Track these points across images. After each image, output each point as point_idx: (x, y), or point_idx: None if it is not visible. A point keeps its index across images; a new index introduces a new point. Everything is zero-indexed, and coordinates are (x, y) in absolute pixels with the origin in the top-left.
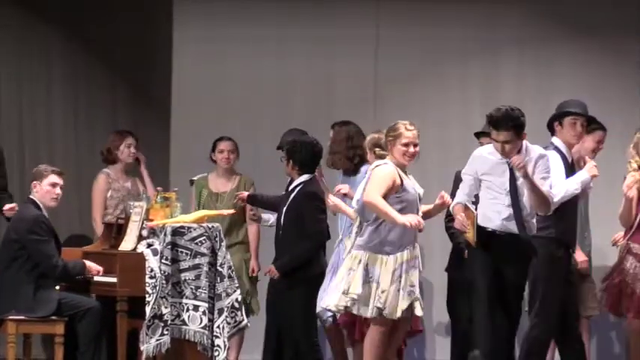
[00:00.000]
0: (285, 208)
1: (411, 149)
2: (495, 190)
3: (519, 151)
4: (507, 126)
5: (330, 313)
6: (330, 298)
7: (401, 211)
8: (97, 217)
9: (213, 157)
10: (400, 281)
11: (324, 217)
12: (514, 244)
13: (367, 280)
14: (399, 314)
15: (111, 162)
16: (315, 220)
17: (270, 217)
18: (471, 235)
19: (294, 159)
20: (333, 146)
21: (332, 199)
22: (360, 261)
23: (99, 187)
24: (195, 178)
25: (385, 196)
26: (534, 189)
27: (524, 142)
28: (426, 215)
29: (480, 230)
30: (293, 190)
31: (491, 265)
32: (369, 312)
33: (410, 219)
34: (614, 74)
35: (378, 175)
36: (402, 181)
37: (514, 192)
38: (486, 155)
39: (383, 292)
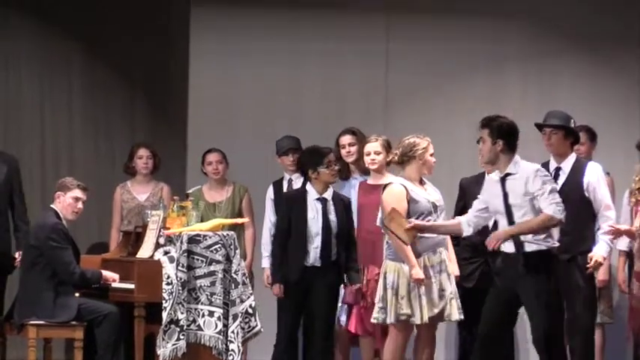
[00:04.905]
0: (337, 216)
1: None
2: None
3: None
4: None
5: (344, 317)
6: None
7: (418, 219)
8: (112, 229)
9: (203, 170)
10: (419, 287)
11: None
12: None
13: (385, 287)
14: (421, 320)
15: (130, 174)
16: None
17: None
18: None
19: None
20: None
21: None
22: (385, 271)
23: (114, 198)
24: (190, 192)
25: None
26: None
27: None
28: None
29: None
30: (337, 196)
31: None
32: (388, 318)
33: (415, 273)
34: (615, 86)
35: (390, 205)
36: (410, 195)
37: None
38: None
39: (402, 298)
